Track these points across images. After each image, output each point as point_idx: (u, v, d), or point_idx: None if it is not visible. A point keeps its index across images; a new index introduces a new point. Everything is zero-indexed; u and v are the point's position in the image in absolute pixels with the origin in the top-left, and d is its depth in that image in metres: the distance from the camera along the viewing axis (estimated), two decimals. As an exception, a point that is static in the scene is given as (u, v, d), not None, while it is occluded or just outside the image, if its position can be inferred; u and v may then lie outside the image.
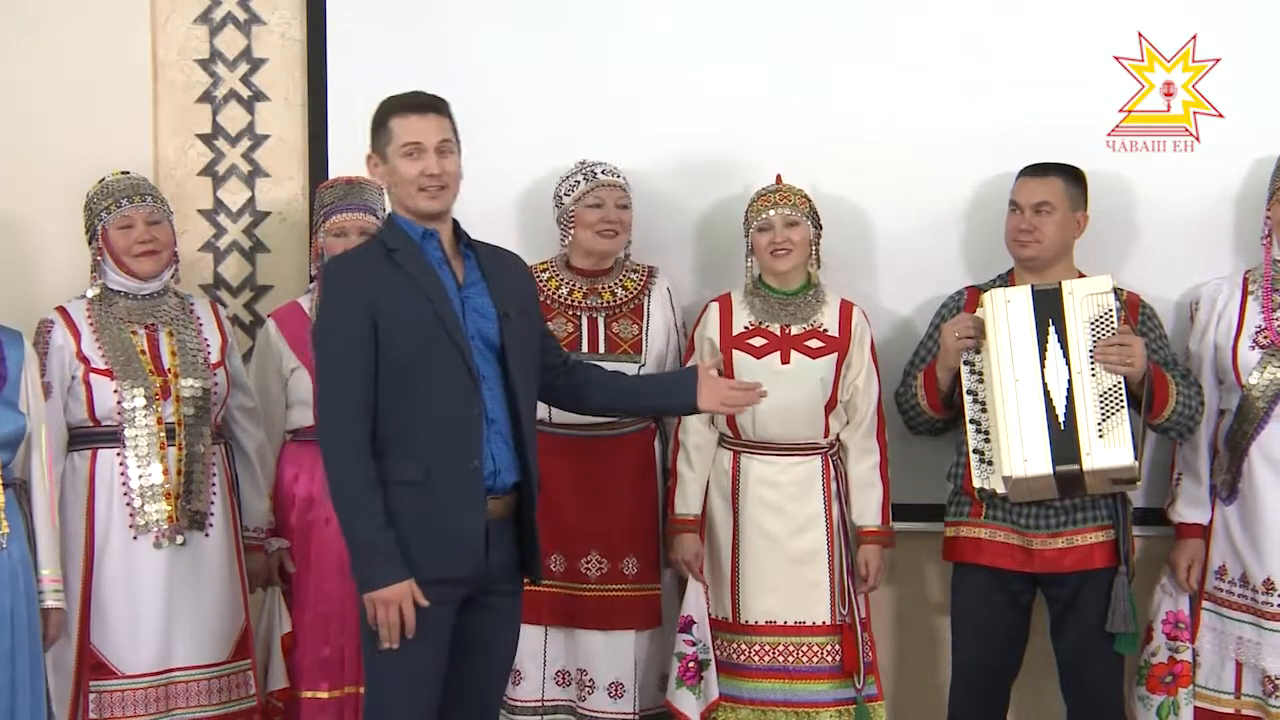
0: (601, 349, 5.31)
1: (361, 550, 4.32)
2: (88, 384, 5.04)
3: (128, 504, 5.02)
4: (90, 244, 5.16)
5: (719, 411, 4.88)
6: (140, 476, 5.03)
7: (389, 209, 4.56)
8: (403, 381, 4.34)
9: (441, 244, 4.49)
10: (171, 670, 5.06)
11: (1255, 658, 5.16)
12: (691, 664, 5.21)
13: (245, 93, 5.80)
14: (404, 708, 4.40)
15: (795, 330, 5.25)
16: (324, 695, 5.26)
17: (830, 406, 5.25)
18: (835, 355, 5.24)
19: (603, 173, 5.33)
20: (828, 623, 5.21)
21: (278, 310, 5.44)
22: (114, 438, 5.04)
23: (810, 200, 5.30)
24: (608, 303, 5.37)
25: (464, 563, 4.39)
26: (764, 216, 5.24)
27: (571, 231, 5.36)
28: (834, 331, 5.26)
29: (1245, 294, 5.21)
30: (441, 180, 4.44)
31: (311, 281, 5.41)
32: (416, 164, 4.42)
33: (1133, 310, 5.18)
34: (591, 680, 5.31)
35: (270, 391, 5.36)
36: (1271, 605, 5.11)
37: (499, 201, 5.58)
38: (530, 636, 5.26)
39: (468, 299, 4.47)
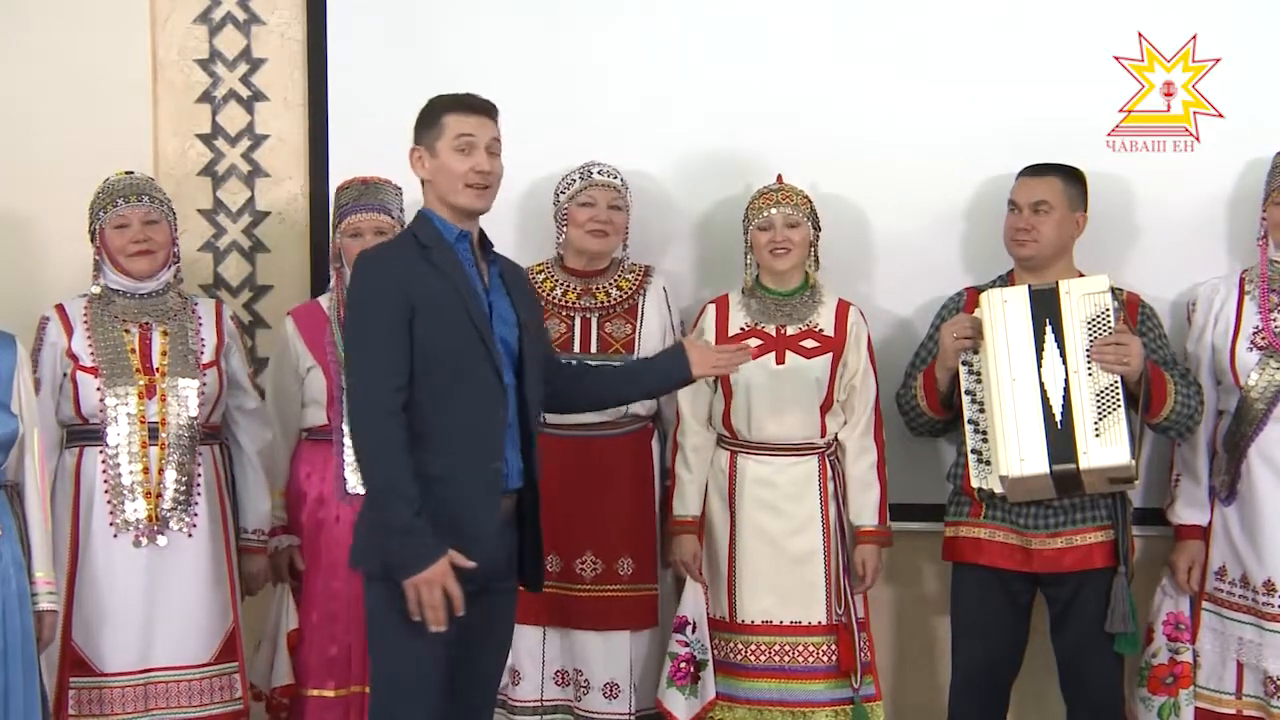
0: (593, 349, 5.30)
1: (397, 537, 4.30)
2: (75, 381, 5.05)
3: (109, 502, 5.03)
4: (92, 243, 5.16)
5: (712, 374, 4.83)
6: (120, 475, 5.03)
7: (420, 208, 4.53)
8: (436, 378, 4.33)
9: (472, 246, 4.51)
10: (151, 670, 5.05)
11: (1256, 659, 5.15)
12: (684, 664, 5.21)
13: (245, 93, 5.81)
14: (412, 707, 4.40)
15: (791, 330, 5.25)
16: (330, 694, 5.26)
17: (826, 407, 5.24)
18: (830, 355, 5.24)
19: (598, 173, 5.33)
20: (824, 623, 5.21)
21: (297, 308, 5.45)
22: (100, 435, 5.04)
23: (811, 202, 5.30)
24: (601, 303, 5.37)
25: (477, 560, 4.39)
26: (765, 215, 5.24)
27: (565, 229, 5.37)
28: (829, 331, 5.25)
29: (1242, 294, 5.20)
30: (488, 179, 4.48)
31: (329, 283, 5.42)
32: (468, 159, 4.44)
33: (1132, 310, 5.17)
34: (587, 680, 5.32)
35: (287, 389, 5.37)
36: (1272, 606, 5.09)
37: (499, 201, 5.53)
38: (528, 636, 5.30)
39: (493, 304, 4.49)
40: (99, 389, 5.03)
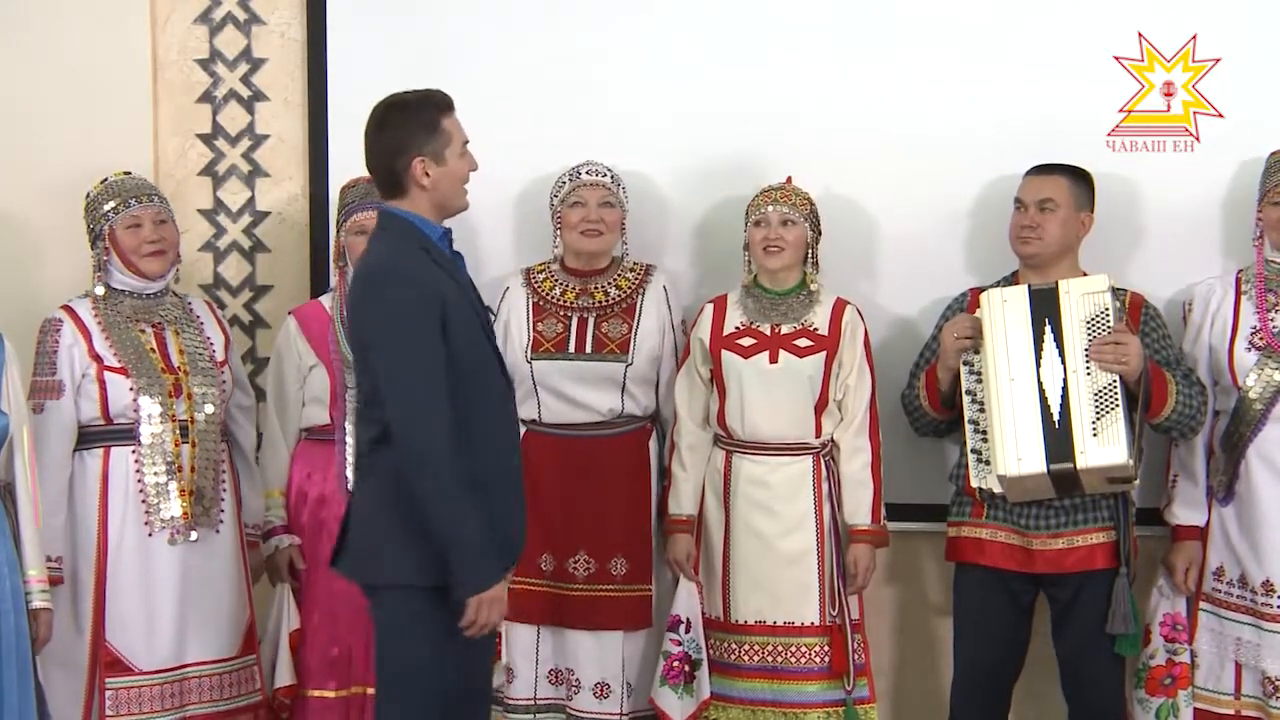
0: (588, 348, 5.29)
1: (471, 552, 4.24)
2: (101, 382, 5.05)
3: (143, 501, 5.05)
4: (95, 244, 5.17)
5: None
6: (155, 474, 5.05)
7: (398, 212, 4.41)
8: (463, 382, 4.28)
9: (450, 244, 4.48)
10: (185, 666, 5.09)
11: (1255, 659, 5.14)
12: (677, 663, 5.22)
13: (245, 93, 5.81)
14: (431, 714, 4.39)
15: (785, 329, 5.24)
16: (331, 694, 5.28)
17: (821, 406, 5.23)
18: (824, 354, 5.23)
19: (587, 172, 5.33)
20: (817, 623, 5.20)
21: (299, 308, 5.46)
22: (127, 436, 5.06)
23: (813, 204, 5.30)
24: (599, 302, 5.36)
25: (513, 557, 4.43)
26: (762, 212, 5.25)
27: (560, 233, 5.37)
28: (824, 330, 5.25)
29: (1239, 294, 5.18)
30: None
31: (330, 282, 5.44)
32: (469, 162, 4.43)
33: (1135, 310, 5.16)
34: (578, 680, 5.32)
35: (288, 389, 5.38)
36: (1271, 607, 5.08)
37: (497, 201, 5.58)
38: (522, 635, 5.33)
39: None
40: (132, 389, 5.05)
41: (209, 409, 5.12)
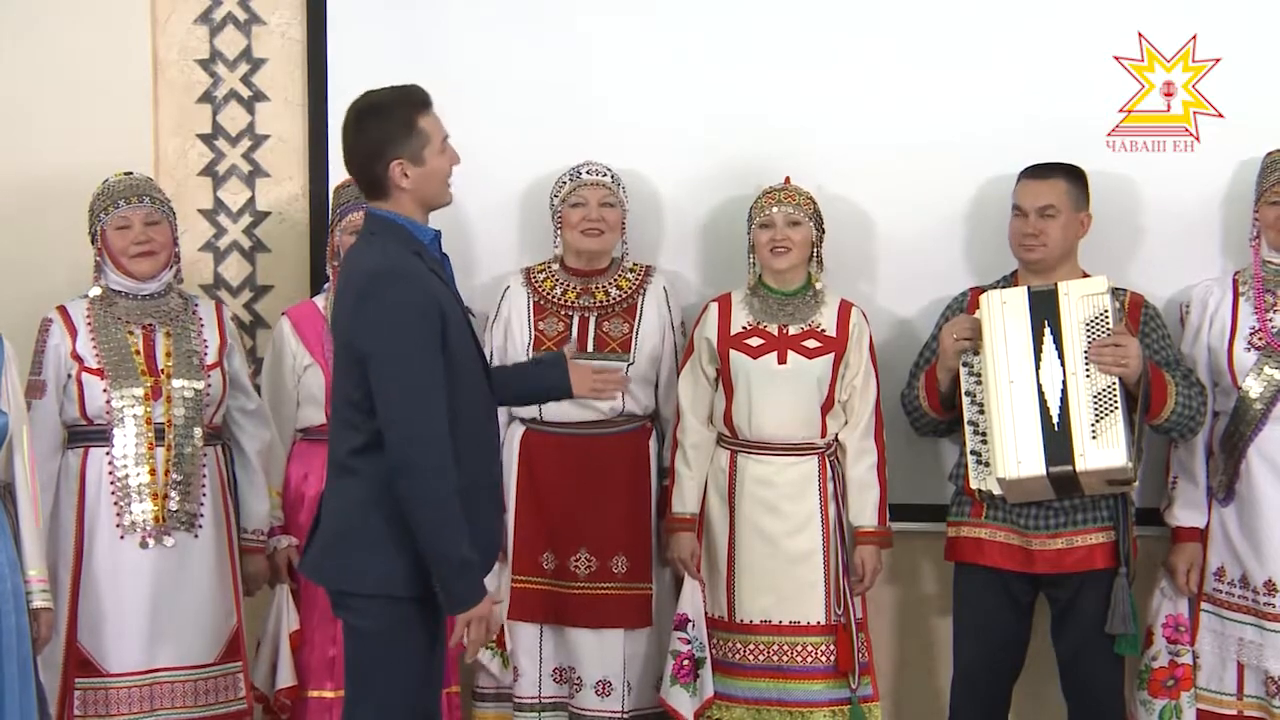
0: (590, 347, 5.30)
1: (461, 570, 4.17)
2: (80, 383, 5.05)
3: (115, 503, 5.04)
4: (93, 244, 5.17)
5: (590, 397, 4.72)
6: (127, 476, 5.04)
7: (384, 214, 4.28)
8: (454, 391, 4.19)
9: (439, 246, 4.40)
10: (157, 670, 5.06)
11: (1257, 659, 5.14)
12: (686, 662, 5.22)
13: (245, 93, 5.80)
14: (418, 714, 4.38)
15: (793, 330, 5.25)
16: (329, 695, 5.26)
17: (827, 407, 5.25)
18: (832, 356, 5.24)
19: (587, 172, 5.33)
20: (822, 623, 5.21)
21: (293, 308, 5.45)
22: (105, 436, 5.05)
23: (815, 202, 5.30)
24: (600, 302, 5.37)
25: (491, 564, 4.40)
26: (767, 214, 5.25)
27: (560, 232, 5.37)
28: (831, 332, 5.26)
29: (1236, 295, 5.19)
30: None
31: (326, 282, 5.42)
32: (450, 157, 4.31)
33: (1135, 311, 5.16)
34: (580, 678, 5.33)
35: (284, 389, 5.37)
36: (1273, 606, 5.08)
37: (499, 201, 5.58)
38: (526, 634, 5.33)
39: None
40: (105, 390, 5.04)
41: (189, 413, 5.09)
